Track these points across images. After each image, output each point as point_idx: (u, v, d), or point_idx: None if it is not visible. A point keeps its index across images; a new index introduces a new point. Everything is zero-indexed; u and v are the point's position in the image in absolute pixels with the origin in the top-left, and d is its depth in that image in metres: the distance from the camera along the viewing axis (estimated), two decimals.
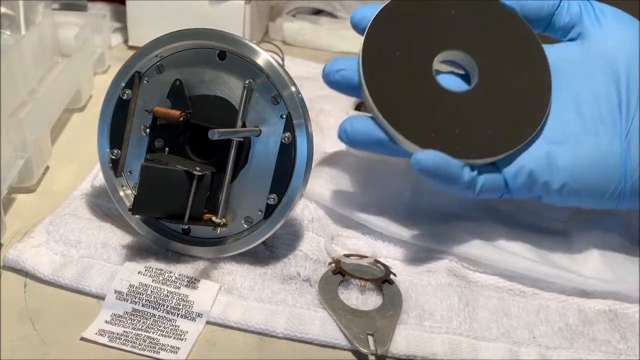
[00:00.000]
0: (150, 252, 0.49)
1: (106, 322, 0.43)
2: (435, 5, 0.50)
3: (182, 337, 0.43)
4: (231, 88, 0.47)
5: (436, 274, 0.49)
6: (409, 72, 0.49)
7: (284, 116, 0.46)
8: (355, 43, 0.91)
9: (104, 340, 0.42)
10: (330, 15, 0.96)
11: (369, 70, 0.48)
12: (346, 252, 0.51)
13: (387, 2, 0.50)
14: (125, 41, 0.85)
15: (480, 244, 0.51)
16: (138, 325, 0.43)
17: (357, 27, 0.51)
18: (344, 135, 0.49)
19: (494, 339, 0.45)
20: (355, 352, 0.43)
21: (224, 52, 0.47)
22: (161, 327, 0.43)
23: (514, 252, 0.50)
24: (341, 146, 0.63)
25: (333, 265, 0.49)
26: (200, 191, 0.46)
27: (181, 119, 0.47)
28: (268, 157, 0.46)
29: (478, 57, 0.50)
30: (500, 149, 0.47)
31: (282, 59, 0.75)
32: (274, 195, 0.46)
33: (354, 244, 0.52)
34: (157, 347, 0.42)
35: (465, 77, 0.51)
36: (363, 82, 0.48)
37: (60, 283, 0.46)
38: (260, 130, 0.46)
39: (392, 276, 0.48)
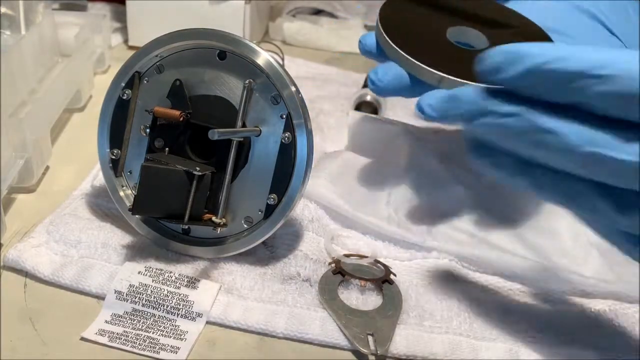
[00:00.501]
0: (150, 252, 0.49)
1: (106, 322, 0.43)
2: None
3: (182, 337, 0.43)
4: (231, 88, 0.47)
5: (436, 274, 0.49)
6: (436, 45, 0.51)
7: (284, 116, 0.46)
8: (355, 43, 0.91)
9: (104, 340, 0.42)
10: (330, 15, 0.96)
11: (412, 54, 0.49)
12: (346, 252, 0.51)
13: None
14: (125, 41, 0.85)
15: (480, 244, 0.51)
16: (138, 325, 0.43)
17: (369, 54, 0.52)
18: (430, 110, 0.40)
19: (494, 339, 0.45)
20: (355, 352, 0.43)
21: (224, 52, 0.47)
22: (161, 327, 0.43)
23: (514, 252, 0.50)
24: (341, 146, 0.64)
25: (333, 265, 0.49)
26: (200, 191, 0.46)
27: (181, 119, 0.47)
28: (268, 157, 0.46)
29: (480, 28, 0.53)
30: None
31: (282, 59, 0.75)
32: (274, 195, 0.46)
33: (354, 244, 0.52)
34: (157, 347, 0.42)
35: None
36: (418, 64, 0.48)
37: (60, 283, 0.46)
38: (260, 130, 0.46)
39: (392, 276, 0.48)
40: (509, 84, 0.36)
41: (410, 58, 0.49)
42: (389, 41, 0.50)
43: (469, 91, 0.37)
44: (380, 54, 0.52)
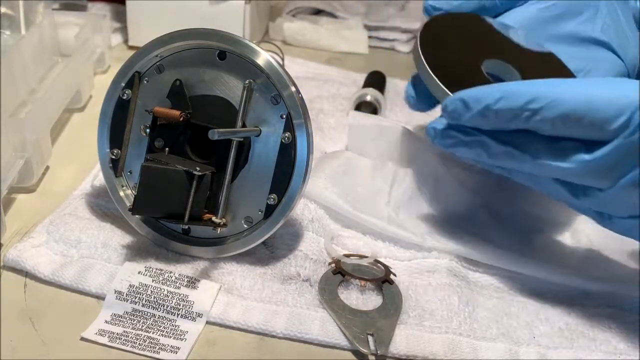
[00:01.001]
0: (150, 252, 0.49)
1: (106, 322, 0.43)
2: (464, 26, 0.57)
3: (182, 337, 0.43)
4: (231, 88, 0.47)
5: (436, 274, 0.49)
6: (469, 75, 0.52)
7: (284, 116, 0.46)
8: (355, 43, 0.91)
9: (104, 340, 0.42)
10: (330, 15, 0.96)
11: (444, 81, 0.51)
12: (346, 252, 0.51)
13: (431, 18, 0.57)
14: (125, 41, 0.85)
15: (480, 244, 0.51)
16: (138, 325, 0.43)
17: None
18: (431, 138, 0.49)
19: (494, 339, 0.45)
20: (356, 352, 0.43)
21: (224, 52, 0.47)
22: (161, 327, 0.43)
23: (514, 252, 0.50)
24: (341, 146, 0.64)
25: (333, 265, 0.49)
26: (200, 191, 0.46)
27: (181, 119, 0.47)
28: (268, 157, 0.46)
29: (513, 63, 0.54)
30: None
31: (282, 59, 0.75)
32: (274, 195, 0.46)
33: (354, 244, 0.52)
34: (157, 347, 0.42)
35: None
36: (445, 90, 0.50)
37: (60, 283, 0.46)
38: (260, 130, 0.46)
39: (392, 276, 0.48)
40: (468, 124, 0.45)
41: (440, 84, 0.50)
42: (426, 66, 0.51)
43: (440, 124, 0.47)
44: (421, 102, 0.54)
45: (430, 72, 0.51)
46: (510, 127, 0.44)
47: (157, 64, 0.48)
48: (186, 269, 0.48)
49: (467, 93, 0.45)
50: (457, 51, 0.54)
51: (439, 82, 0.50)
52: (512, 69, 0.53)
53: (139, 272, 0.46)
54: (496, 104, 0.43)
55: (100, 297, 0.45)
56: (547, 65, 0.55)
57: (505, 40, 0.56)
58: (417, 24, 0.95)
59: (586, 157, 0.41)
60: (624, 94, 0.40)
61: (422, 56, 0.52)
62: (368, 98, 0.70)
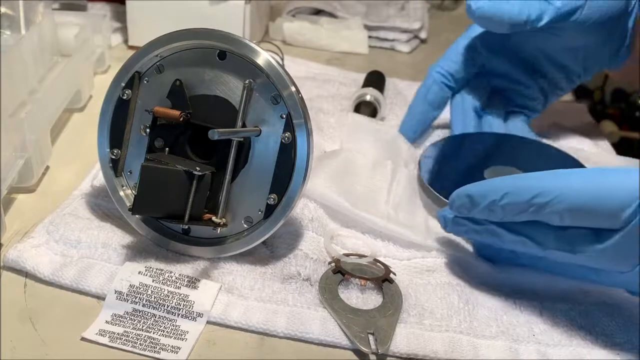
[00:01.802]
0: (150, 252, 0.49)
1: (107, 322, 0.43)
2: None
3: (182, 337, 0.43)
4: (231, 88, 0.47)
5: (436, 273, 0.49)
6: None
7: (284, 116, 0.46)
8: (355, 43, 0.91)
9: (105, 340, 0.42)
10: (330, 15, 0.97)
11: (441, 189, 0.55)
12: (346, 252, 0.51)
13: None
14: (125, 41, 0.85)
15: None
16: (138, 325, 0.44)
17: None
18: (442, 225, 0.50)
19: (494, 337, 0.45)
20: (356, 351, 0.43)
21: (224, 52, 0.47)
22: (162, 327, 0.43)
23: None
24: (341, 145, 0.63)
25: (333, 264, 0.49)
26: (200, 191, 0.46)
27: (181, 119, 0.47)
28: (268, 157, 0.46)
29: (517, 166, 0.57)
30: None
31: (282, 59, 0.75)
32: (274, 195, 0.46)
33: (354, 243, 0.52)
34: (158, 347, 0.42)
35: None
36: (438, 196, 0.55)
37: (60, 283, 0.46)
38: (260, 130, 0.46)
39: (392, 275, 0.48)
40: (477, 216, 0.46)
41: (434, 191, 0.54)
42: (423, 179, 0.55)
43: (449, 212, 0.48)
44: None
45: (427, 184, 0.54)
46: (519, 219, 0.44)
47: (157, 64, 0.48)
48: (186, 269, 0.48)
49: (473, 188, 0.46)
50: (458, 166, 0.57)
51: (432, 189, 0.54)
52: (517, 172, 0.55)
53: (139, 272, 0.46)
54: (501, 199, 0.43)
55: (100, 297, 0.45)
56: (548, 156, 0.58)
57: (503, 145, 0.59)
58: (416, 24, 0.95)
59: (598, 246, 0.40)
60: (629, 184, 0.39)
61: (420, 173, 0.55)
62: (368, 98, 0.70)
